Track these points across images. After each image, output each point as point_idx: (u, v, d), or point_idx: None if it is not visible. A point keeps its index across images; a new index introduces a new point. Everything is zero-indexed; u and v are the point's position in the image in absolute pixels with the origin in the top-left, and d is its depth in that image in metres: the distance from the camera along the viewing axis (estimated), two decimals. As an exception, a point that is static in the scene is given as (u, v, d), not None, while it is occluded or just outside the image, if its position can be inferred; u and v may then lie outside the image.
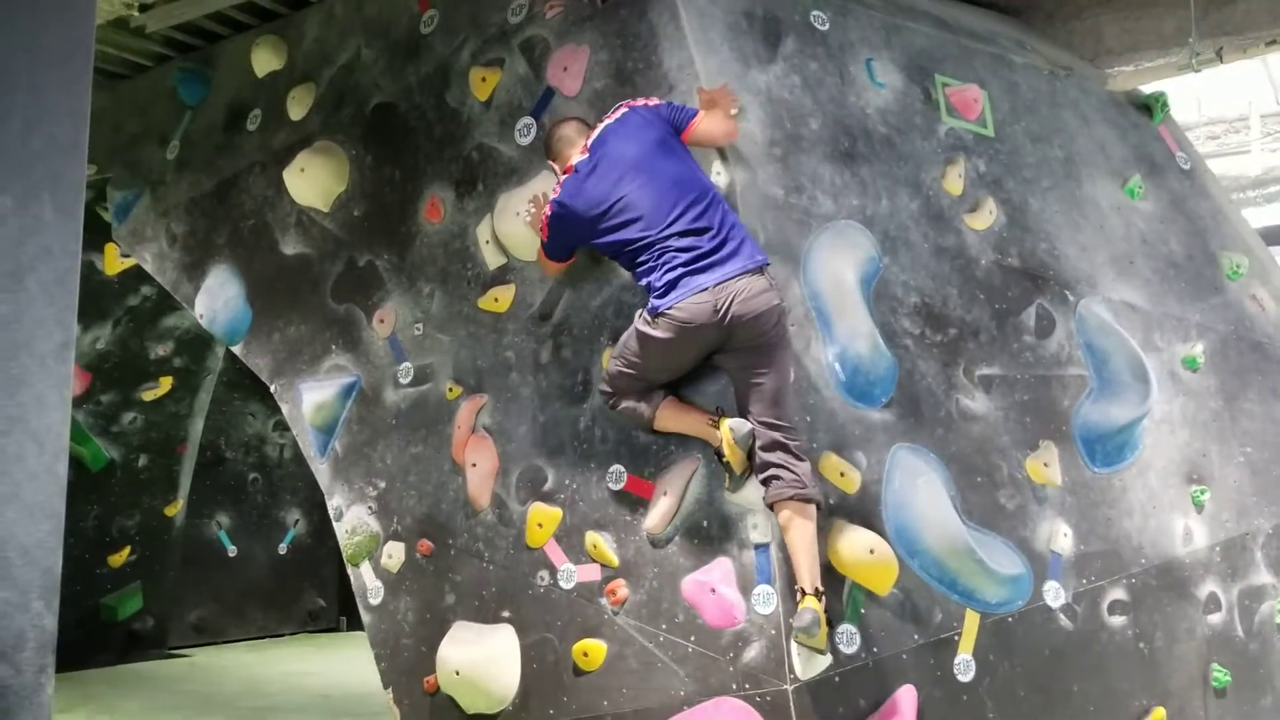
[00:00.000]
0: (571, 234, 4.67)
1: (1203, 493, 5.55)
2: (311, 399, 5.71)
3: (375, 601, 5.37)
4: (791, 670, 4.20)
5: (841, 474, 4.48)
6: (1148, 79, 6.46)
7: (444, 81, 5.54)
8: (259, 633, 10.85)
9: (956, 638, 4.57)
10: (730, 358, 4.39)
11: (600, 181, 4.52)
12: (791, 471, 4.23)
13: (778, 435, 4.28)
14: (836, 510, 4.43)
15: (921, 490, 4.61)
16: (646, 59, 4.94)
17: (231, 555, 10.66)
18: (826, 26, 5.25)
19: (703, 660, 4.38)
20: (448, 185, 5.44)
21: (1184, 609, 5.36)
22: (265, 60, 6.31)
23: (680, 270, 4.31)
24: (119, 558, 9.37)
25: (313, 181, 5.83)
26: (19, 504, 2.41)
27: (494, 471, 5.04)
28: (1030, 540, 4.92)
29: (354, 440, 5.58)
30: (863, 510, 4.48)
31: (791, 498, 4.20)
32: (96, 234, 7.75)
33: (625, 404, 4.58)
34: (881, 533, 4.47)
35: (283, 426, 10.52)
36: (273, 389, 5.98)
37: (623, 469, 4.69)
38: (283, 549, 11.00)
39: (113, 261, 8.39)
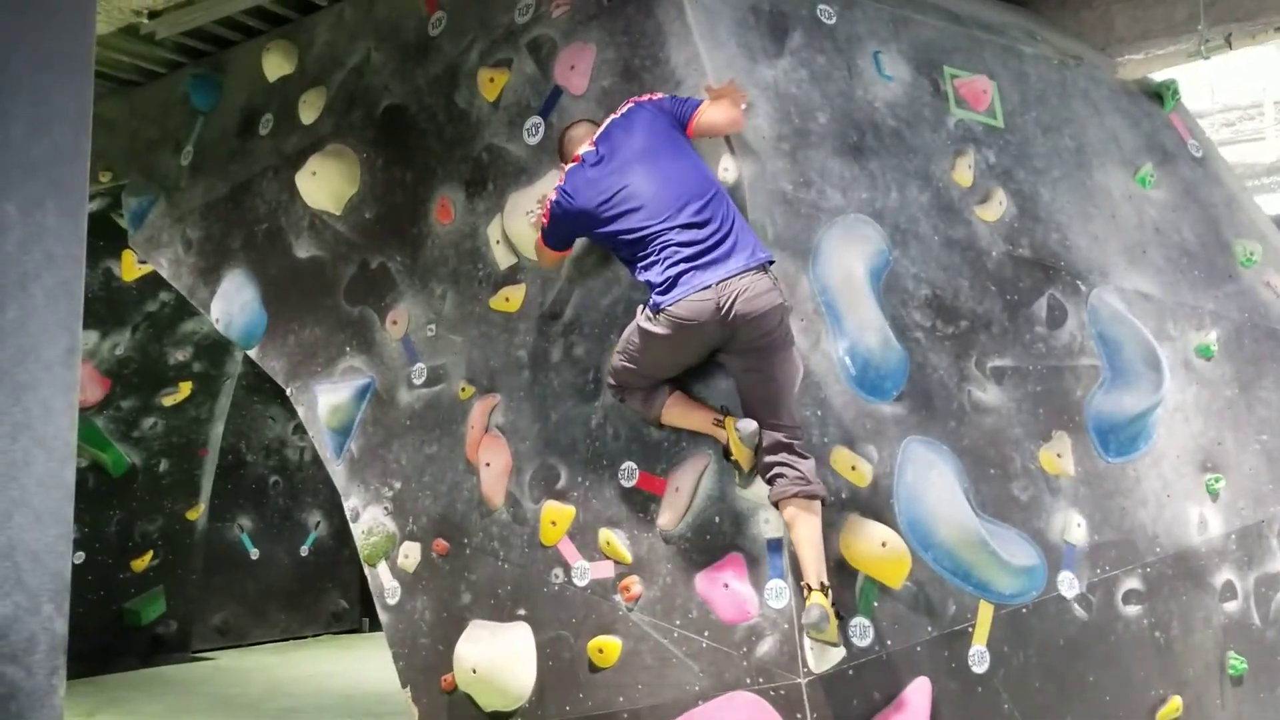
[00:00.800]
0: (573, 224, 4.68)
1: (1217, 480, 5.53)
2: (327, 401, 5.74)
3: (392, 601, 5.40)
4: (805, 664, 4.20)
5: (853, 468, 4.49)
6: (1158, 67, 6.44)
7: (453, 82, 5.56)
8: (282, 635, 10.90)
9: (970, 629, 4.56)
10: (733, 358, 4.39)
11: (604, 173, 4.53)
12: (795, 469, 4.23)
13: (781, 435, 4.28)
14: (848, 504, 4.43)
15: (934, 483, 4.61)
16: (653, 56, 4.95)
17: (254, 558, 10.70)
18: (834, 20, 5.25)
19: (716, 655, 4.39)
20: (458, 186, 5.46)
21: (1200, 597, 5.34)
22: (276, 65, 6.35)
23: (682, 266, 4.29)
24: (142, 562, 9.42)
25: (324, 185, 5.86)
26: (27, 510, 2.43)
27: (507, 470, 5.06)
28: (1044, 531, 4.91)
29: (369, 441, 5.61)
30: (875, 504, 4.49)
31: (796, 495, 4.20)
32: (114, 241, 7.81)
33: (632, 398, 4.60)
34: (894, 526, 4.47)
35: (303, 429, 10.53)
36: (288, 392, 6.02)
37: (635, 466, 4.70)
38: (304, 551, 11.05)
39: (130, 268, 8.43)
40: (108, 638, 9.19)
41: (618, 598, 4.65)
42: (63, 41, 2.62)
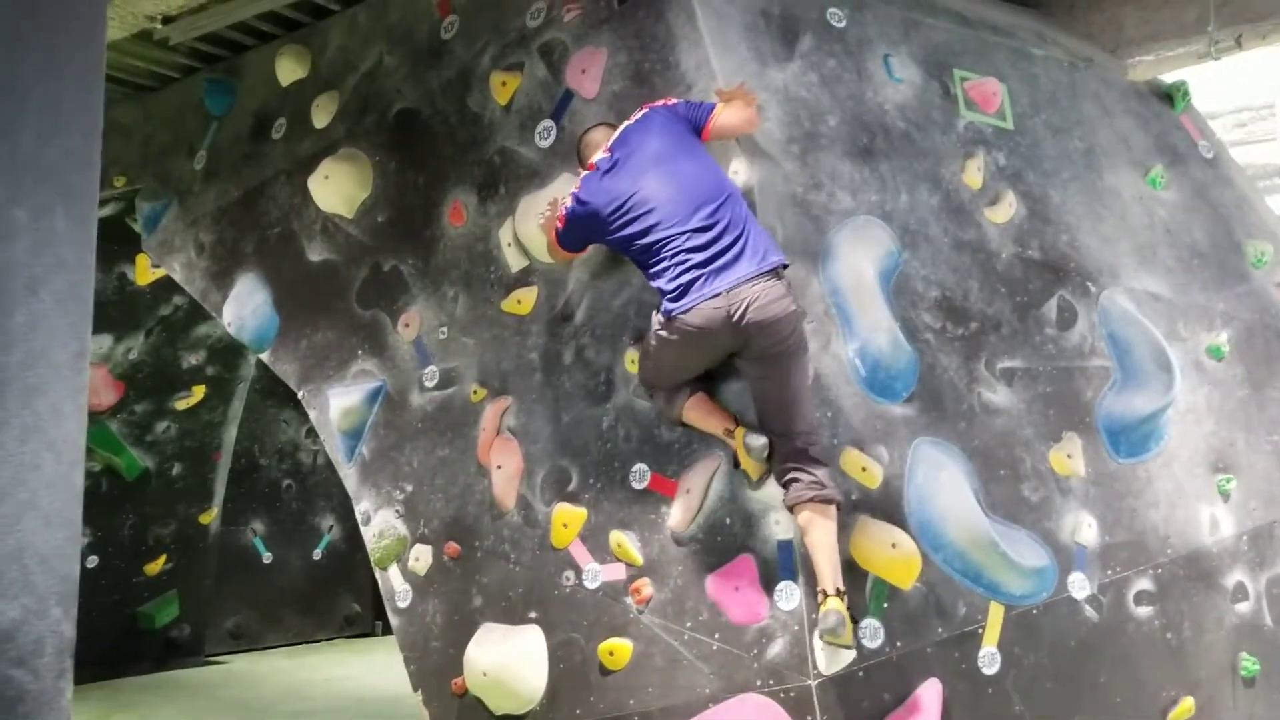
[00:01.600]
0: (588, 229, 4.68)
1: (1229, 481, 5.51)
2: (339, 404, 5.76)
3: (403, 604, 5.41)
4: (815, 665, 4.20)
5: (863, 469, 4.49)
6: (1168, 68, 6.43)
7: (465, 86, 5.58)
8: (295, 639, 10.91)
9: (981, 631, 4.56)
10: (748, 364, 4.38)
11: (619, 178, 4.53)
12: (810, 474, 4.22)
13: (796, 441, 4.27)
14: (859, 505, 4.43)
15: (944, 484, 4.60)
16: (664, 60, 4.97)
17: (267, 562, 10.72)
18: (844, 23, 5.26)
19: (727, 657, 4.39)
20: (470, 189, 5.48)
21: (1212, 598, 5.33)
22: (289, 69, 6.37)
23: (692, 273, 4.28)
24: (155, 566, 9.46)
25: (337, 188, 5.88)
26: (36, 512, 2.46)
27: (519, 473, 5.07)
28: (1055, 532, 4.91)
29: (381, 444, 5.63)
30: (885, 505, 4.49)
31: (810, 500, 4.20)
32: (128, 245, 7.84)
33: (657, 396, 4.62)
34: (904, 527, 4.47)
35: (316, 433, 10.57)
36: (300, 395, 6.04)
37: (646, 468, 4.71)
38: (317, 555, 11.06)
39: (144, 272, 8.48)
40: (121, 641, 9.24)
41: (629, 600, 4.66)
42: (73, 49, 2.65)
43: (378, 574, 5.56)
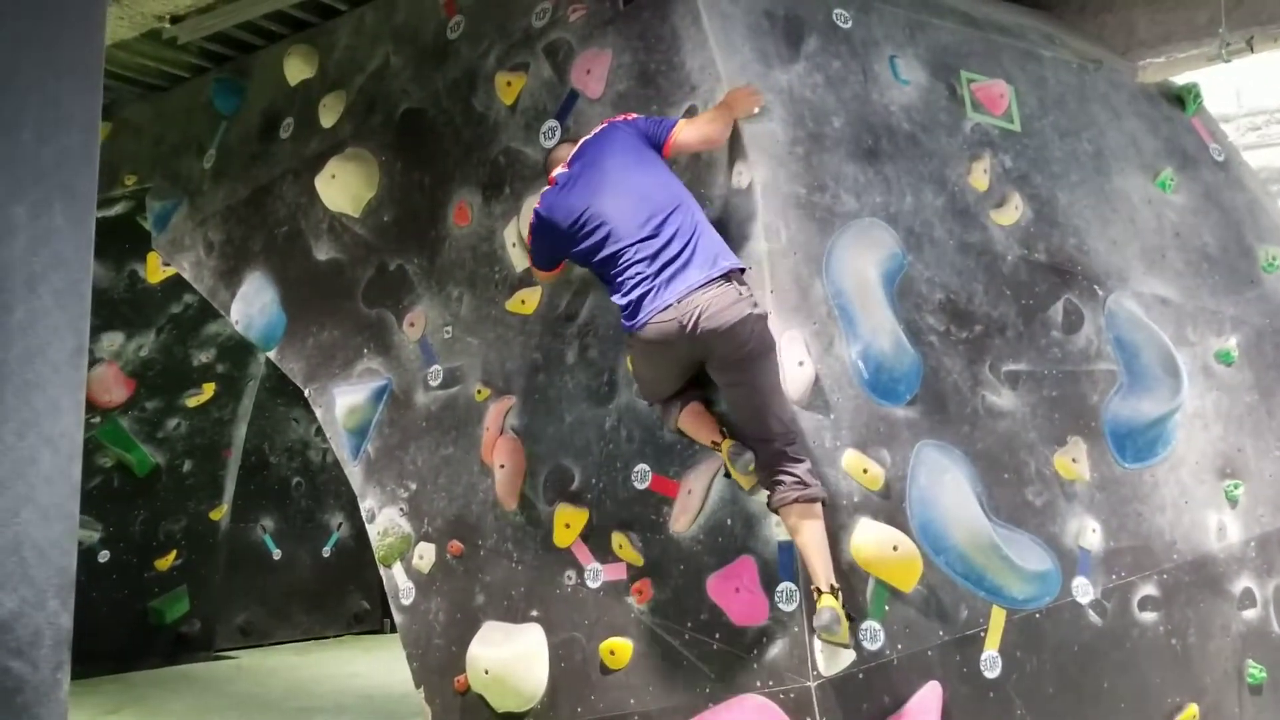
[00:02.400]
0: (552, 244, 4.71)
1: (1236, 487, 5.49)
2: (344, 402, 5.78)
3: (407, 602, 5.43)
4: (815, 667, 4.20)
5: (865, 471, 4.48)
6: (1179, 70, 6.40)
7: (470, 86, 5.59)
8: (304, 635, 10.94)
9: (983, 634, 4.55)
10: (716, 373, 4.35)
11: (575, 192, 4.56)
12: (791, 474, 4.20)
13: (774, 443, 4.24)
14: (860, 508, 4.43)
15: (947, 487, 4.60)
16: (669, 61, 4.97)
17: (276, 559, 10.75)
18: (849, 25, 5.25)
19: (727, 658, 4.40)
20: (475, 189, 5.49)
21: (1218, 605, 5.31)
22: (297, 69, 6.40)
23: (643, 286, 4.28)
24: (166, 561, 9.50)
25: (343, 188, 5.90)
26: (34, 506, 2.48)
27: (521, 472, 5.08)
28: (1058, 536, 4.89)
29: (386, 443, 5.64)
30: (887, 507, 4.48)
31: (795, 501, 4.18)
32: (139, 243, 7.88)
33: (656, 404, 4.62)
34: (906, 530, 4.46)
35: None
36: (307, 393, 6.06)
37: (648, 468, 4.72)
38: (326, 552, 11.09)
39: (155, 270, 8.51)
40: (132, 636, 9.29)
41: (630, 600, 4.66)
42: (72, 47, 2.66)
43: (382, 571, 5.58)
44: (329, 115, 6.15)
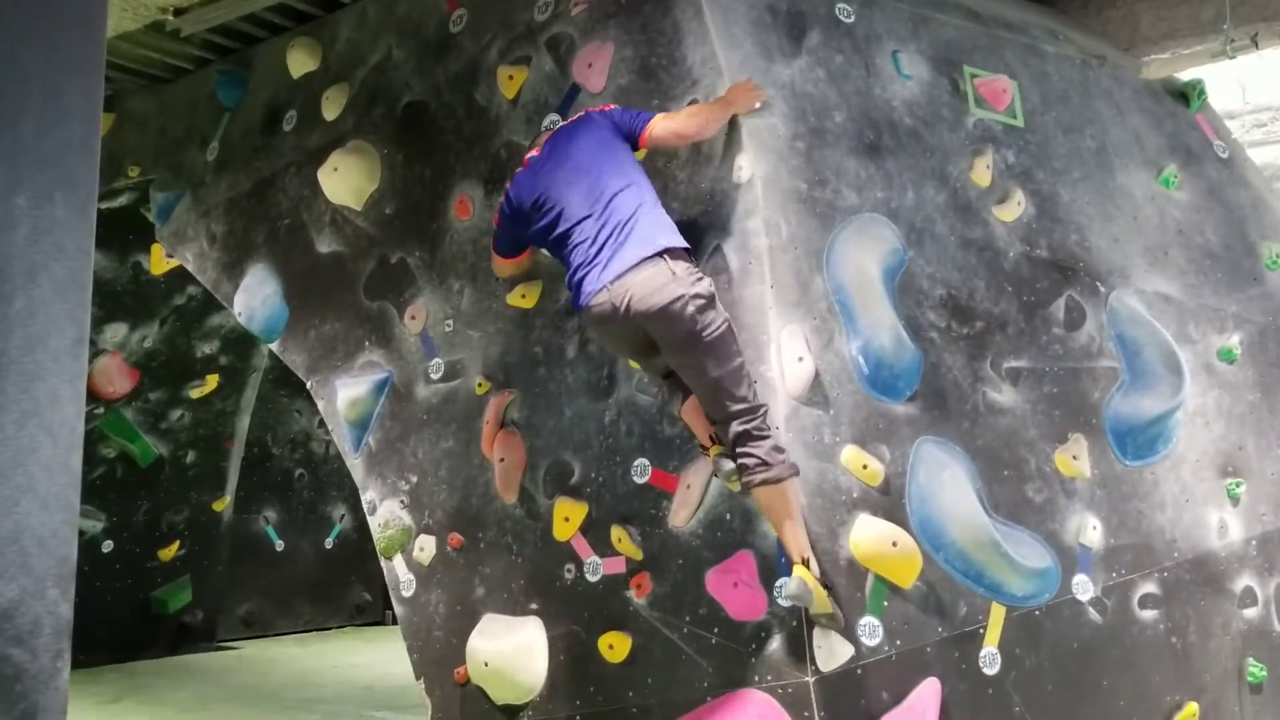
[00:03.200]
0: (514, 227, 4.77)
1: (1238, 485, 5.49)
2: (346, 395, 5.79)
3: (407, 594, 5.44)
4: (813, 662, 4.21)
5: (864, 467, 4.48)
6: (1183, 66, 6.39)
7: (472, 80, 5.59)
8: (306, 626, 10.99)
9: (982, 631, 4.55)
10: (665, 354, 4.33)
11: (539, 175, 4.60)
12: (754, 455, 4.14)
13: (735, 426, 4.17)
14: (860, 503, 4.43)
15: (946, 484, 4.60)
16: (670, 55, 4.96)
17: (279, 550, 10.80)
18: (852, 19, 5.25)
19: (725, 652, 4.40)
20: (476, 183, 5.49)
21: (1218, 603, 5.31)
22: (300, 62, 6.40)
23: (582, 270, 4.32)
24: (169, 552, 9.54)
25: (346, 180, 5.90)
26: (34, 496, 2.49)
27: (521, 465, 5.09)
28: (1059, 533, 4.89)
29: (387, 435, 5.65)
30: (886, 503, 4.48)
31: (761, 482, 4.14)
32: (143, 235, 7.90)
33: (662, 387, 4.61)
34: (905, 526, 4.46)
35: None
36: (309, 385, 6.07)
37: (647, 462, 4.72)
38: (329, 544, 11.14)
39: (159, 262, 8.52)
40: (135, 626, 9.35)
41: (629, 593, 4.67)
42: (74, 39, 2.67)
43: (383, 563, 5.60)
44: (331, 108, 6.15)
